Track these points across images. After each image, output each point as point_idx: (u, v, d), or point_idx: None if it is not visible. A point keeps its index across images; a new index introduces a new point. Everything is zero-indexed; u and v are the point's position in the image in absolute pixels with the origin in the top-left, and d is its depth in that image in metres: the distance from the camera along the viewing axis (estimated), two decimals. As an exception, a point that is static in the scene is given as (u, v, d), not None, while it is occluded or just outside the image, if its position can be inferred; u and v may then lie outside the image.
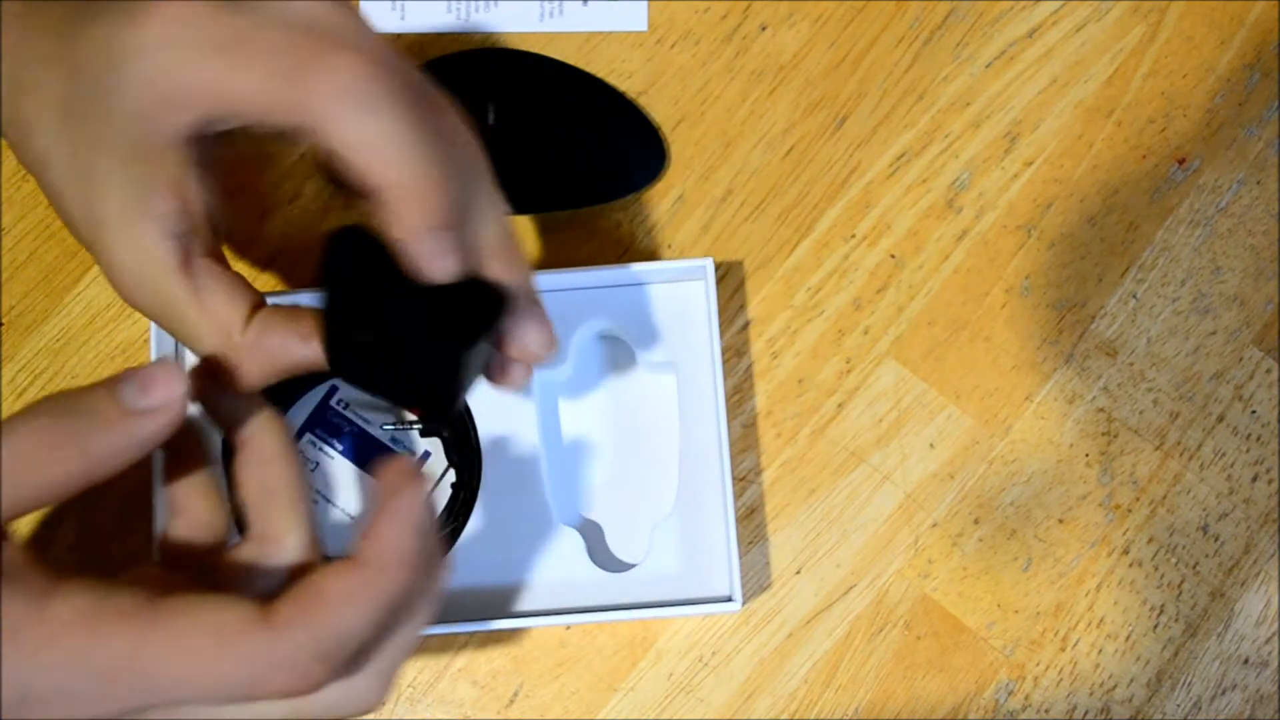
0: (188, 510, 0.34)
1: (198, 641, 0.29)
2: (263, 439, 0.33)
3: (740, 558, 0.45)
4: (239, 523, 0.34)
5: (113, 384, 0.30)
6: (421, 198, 0.31)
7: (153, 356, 0.44)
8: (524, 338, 0.35)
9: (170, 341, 0.45)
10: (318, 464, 0.46)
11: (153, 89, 0.31)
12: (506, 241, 0.35)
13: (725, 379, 0.47)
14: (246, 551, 0.33)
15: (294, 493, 0.33)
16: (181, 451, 0.34)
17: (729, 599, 0.43)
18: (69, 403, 0.30)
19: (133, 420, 0.30)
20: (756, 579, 0.46)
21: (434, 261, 0.32)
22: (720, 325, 0.47)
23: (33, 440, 0.29)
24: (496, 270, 0.34)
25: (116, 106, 0.31)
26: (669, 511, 0.45)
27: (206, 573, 0.33)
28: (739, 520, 0.46)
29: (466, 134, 0.34)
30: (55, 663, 0.29)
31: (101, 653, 0.29)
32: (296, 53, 0.30)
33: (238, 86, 0.30)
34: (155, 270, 0.33)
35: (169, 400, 0.30)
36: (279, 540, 0.33)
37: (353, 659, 0.31)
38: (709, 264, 0.44)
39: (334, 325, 0.33)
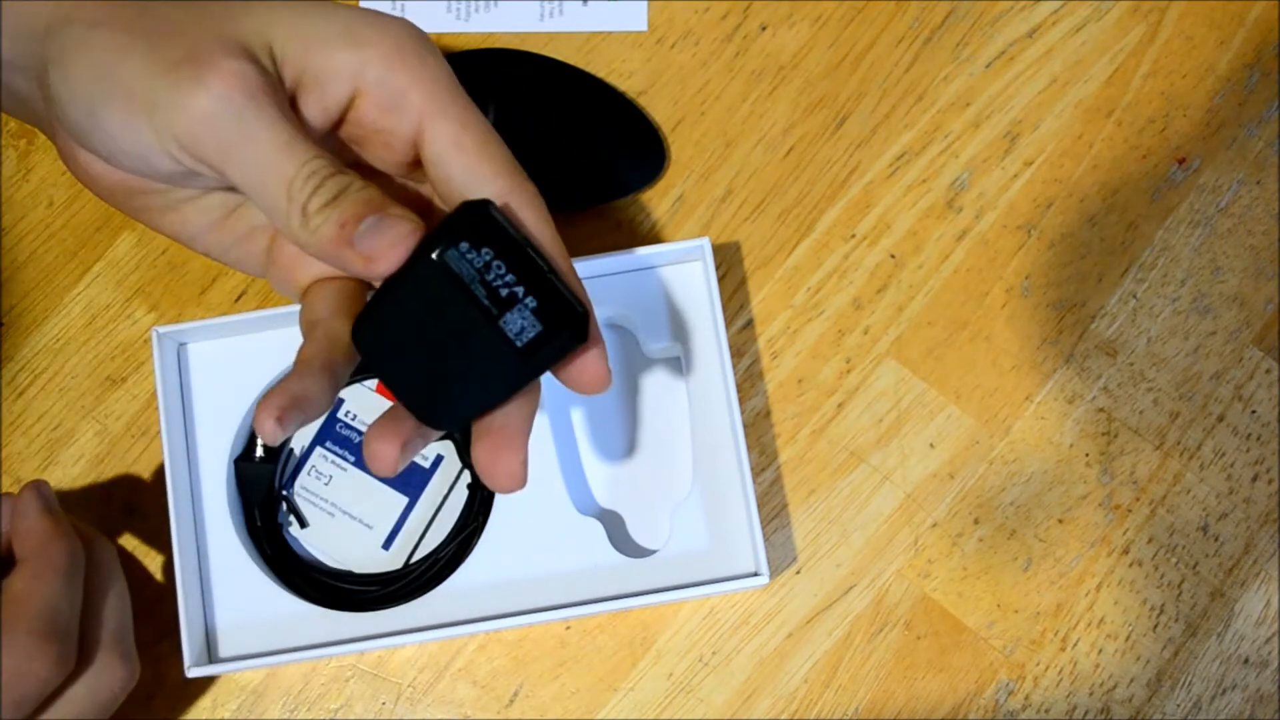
0: None
1: None
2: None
3: (762, 532, 0.44)
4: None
5: None
6: (492, 154, 0.34)
7: (155, 355, 0.44)
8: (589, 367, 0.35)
9: (173, 343, 0.45)
10: (331, 477, 0.46)
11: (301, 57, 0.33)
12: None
13: (725, 379, 0.47)
14: None
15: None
16: None
17: (755, 574, 0.43)
18: None
19: None
20: (756, 579, 0.46)
21: (520, 195, 0.34)
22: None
23: None
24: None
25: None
26: (687, 493, 0.46)
27: None
28: (739, 520, 0.46)
29: None
30: None
31: None
32: (402, 57, 0.34)
33: (355, 68, 0.33)
34: (246, 93, 0.33)
35: None
36: None
37: (66, 626, 0.37)
38: (706, 243, 0.44)
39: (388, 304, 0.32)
